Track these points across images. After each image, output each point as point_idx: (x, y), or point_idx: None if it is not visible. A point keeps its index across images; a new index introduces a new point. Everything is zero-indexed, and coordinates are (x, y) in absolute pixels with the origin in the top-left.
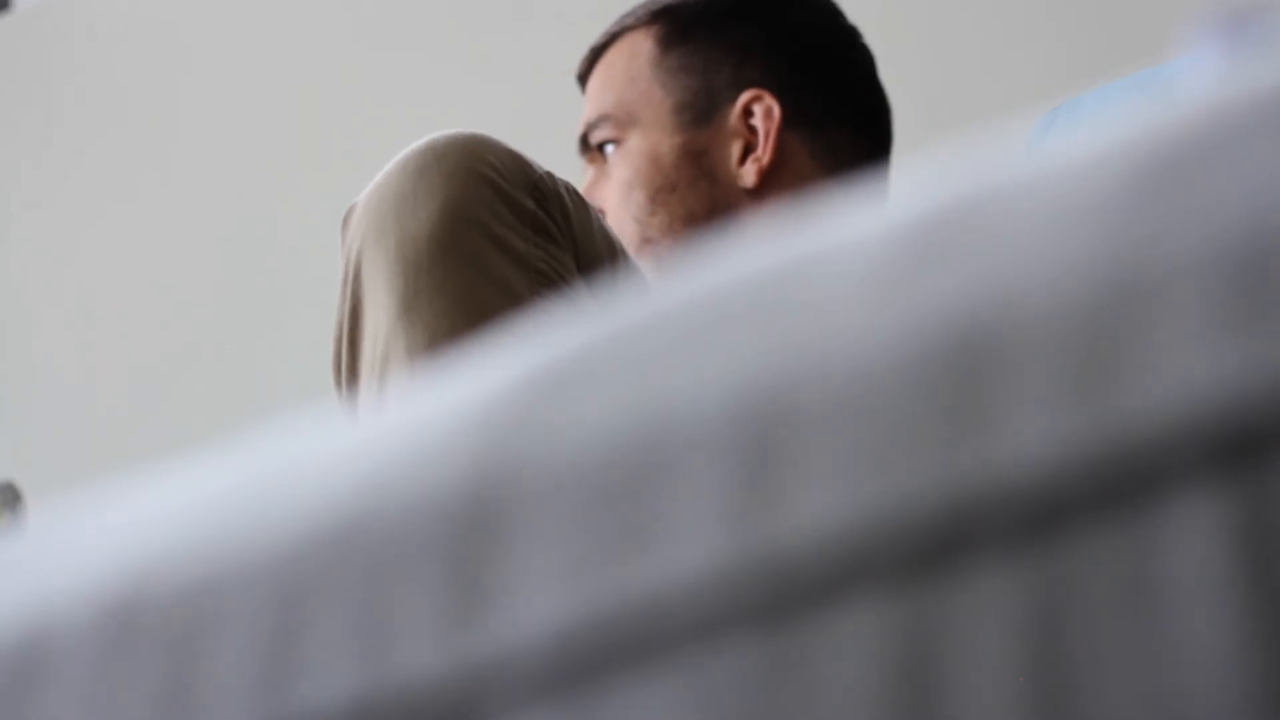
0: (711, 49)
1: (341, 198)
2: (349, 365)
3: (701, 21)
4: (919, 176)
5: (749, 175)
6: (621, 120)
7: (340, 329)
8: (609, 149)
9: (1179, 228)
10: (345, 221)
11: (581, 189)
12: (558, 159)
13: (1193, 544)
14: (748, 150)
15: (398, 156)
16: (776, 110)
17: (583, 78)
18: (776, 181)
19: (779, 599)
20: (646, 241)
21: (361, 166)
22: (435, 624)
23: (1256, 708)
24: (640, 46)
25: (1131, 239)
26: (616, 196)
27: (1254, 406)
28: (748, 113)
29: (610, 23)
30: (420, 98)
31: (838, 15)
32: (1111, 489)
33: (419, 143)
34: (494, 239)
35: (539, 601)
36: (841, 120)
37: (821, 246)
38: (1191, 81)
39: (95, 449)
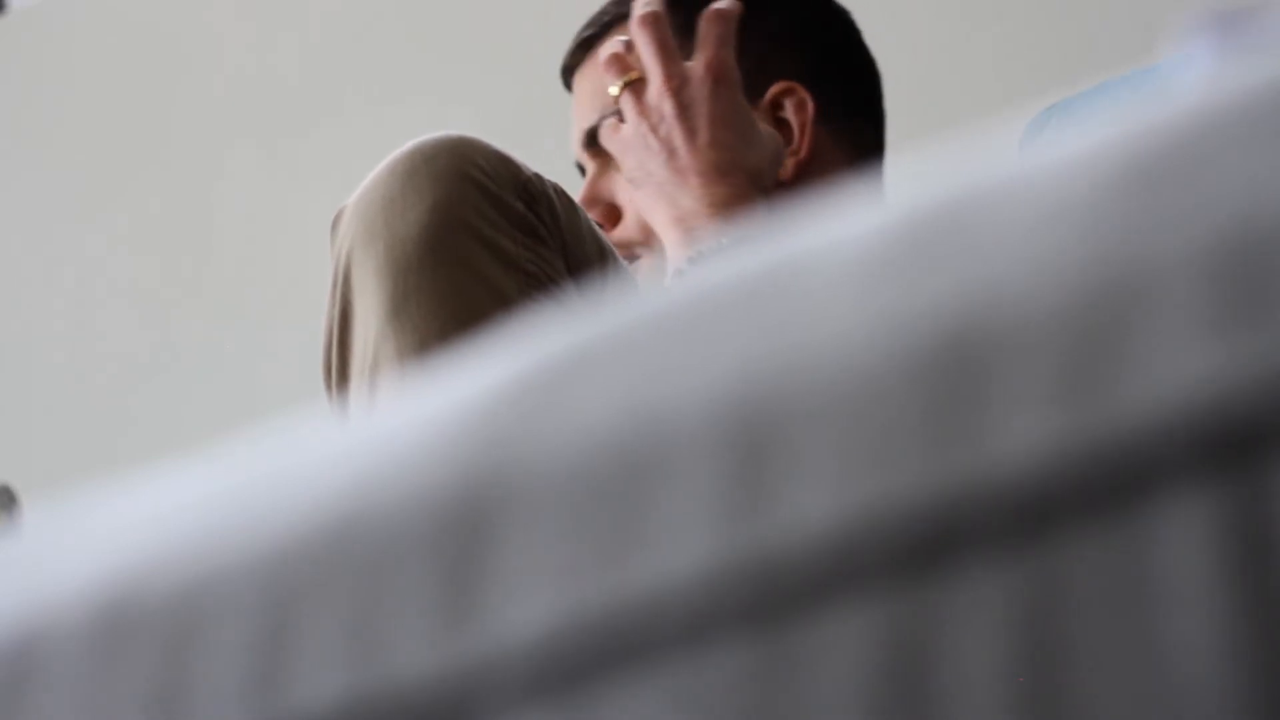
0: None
1: (333, 199)
2: (339, 368)
3: None
4: (911, 176)
5: (785, 170)
6: None
7: (330, 332)
8: None
9: (1167, 227)
10: (334, 224)
11: (584, 187)
12: (554, 160)
13: (1183, 543)
14: None
15: (386, 159)
16: (810, 104)
17: (570, 70)
18: (807, 175)
19: (770, 599)
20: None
21: (354, 168)
22: (426, 625)
23: (1248, 707)
24: None
25: (1120, 238)
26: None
27: (1243, 404)
28: (776, 105)
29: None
30: (414, 99)
31: (841, 7)
32: (1101, 488)
33: (407, 145)
34: (483, 241)
35: (530, 602)
36: (860, 113)
37: (811, 247)
38: (1182, 81)
39: (90, 451)
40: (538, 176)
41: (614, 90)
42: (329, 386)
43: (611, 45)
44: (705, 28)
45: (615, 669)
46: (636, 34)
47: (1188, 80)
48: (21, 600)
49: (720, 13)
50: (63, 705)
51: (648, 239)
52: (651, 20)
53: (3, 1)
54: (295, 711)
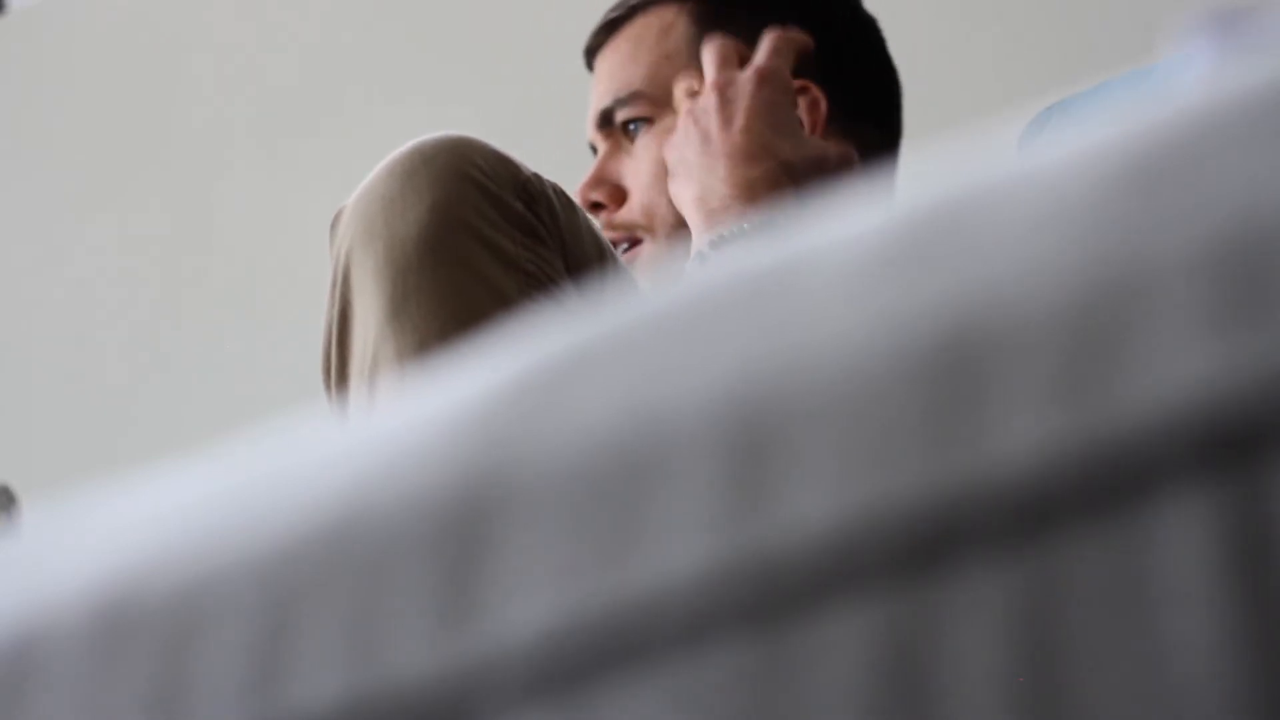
0: (753, 34)
1: (333, 199)
2: (338, 368)
3: (741, 3)
4: (911, 176)
5: None
6: (657, 98)
7: (329, 332)
8: (634, 127)
9: (1167, 227)
10: (333, 224)
11: (593, 166)
12: (554, 160)
13: (1182, 543)
14: None
15: (385, 159)
16: (824, 103)
17: (593, 51)
18: None
19: (769, 600)
20: (683, 224)
21: (354, 168)
22: (426, 625)
23: (1246, 707)
24: (674, 23)
25: (1120, 238)
26: (647, 176)
27: (1242, 404)
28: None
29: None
30: (414, 99)
31: (860, 5)
32: (1100, 488)
33: (406, 146)
34: (482, 241)
35: (529, 602)
36: (871, 115)
37: (811, 246)
38: (1181, 81)
39: (89, 451)
40: (537, 176)
41: (679, 95)
42: (328, 387)
43: (636, 29)
44: (765, 42)
45: (615, 669)
46: (704, 51)
47: (1187, 80)
48: (21, 600)
49: (783, 34)
50: (63, 705)
51: (651, 223)
52: (719, 41)
53: (3, 2)
54: (295, 711)
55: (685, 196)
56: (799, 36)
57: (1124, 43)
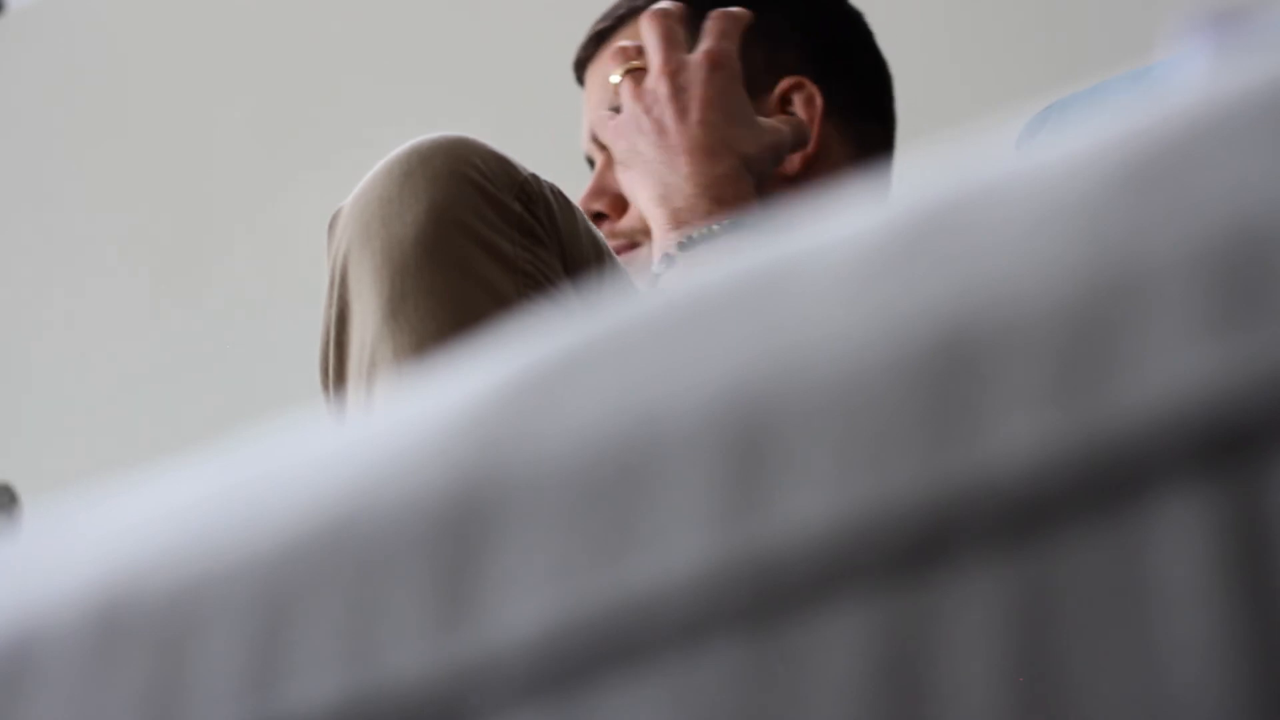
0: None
1: (332, 200)
2: (336, 369)
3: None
4: (910, 175)
5: (792, 164)
6: None
7: (327, 333)
8: None
9: (1164, 227)
10: (331, 225)
11: (592, 178)
12: (545, 161)
13: (1179, 543)
14: None
15: (383, 160)
16: (819, 99)
17: (583, 64)
18: (814, 170)
19: (765, 600)
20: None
21: (352, 168)
22: (422, 625)
23: (1244, 707)
24: None
25: (1117, 238)
26: None
27: (1239, 404)
28: (785, 100)
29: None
30: (415, 97)
31: (853, 7)
32: (1097, 488)
33: (404, 146)
34: (480, 241)
35: (526, 603)
36: (868, 112)
37: (807, 246)
38: (1179, 81)
39: (90, 451)
40: (535, 177)
41: (615, 79)
42: (326, 387)
43: (621, 40)
44: (710, 24)
45: (611, 669)
46: (644, 25)
47: (1185, 80)
48: (19, 600)
49: (727, 12)
50: (59, 705)
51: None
52: (661, 14)
53: (3, 2)
54: (291, 712)
55: (644, 194)
56: (742, 13)
57: (1123, 43)
